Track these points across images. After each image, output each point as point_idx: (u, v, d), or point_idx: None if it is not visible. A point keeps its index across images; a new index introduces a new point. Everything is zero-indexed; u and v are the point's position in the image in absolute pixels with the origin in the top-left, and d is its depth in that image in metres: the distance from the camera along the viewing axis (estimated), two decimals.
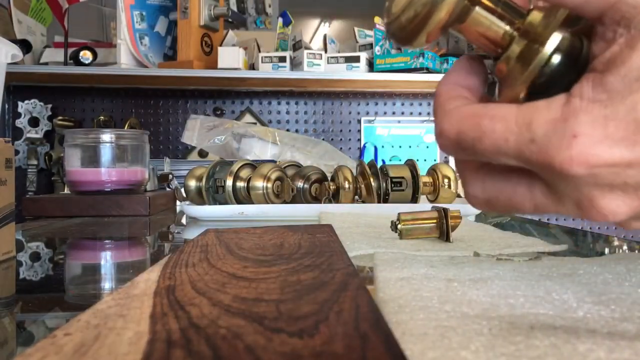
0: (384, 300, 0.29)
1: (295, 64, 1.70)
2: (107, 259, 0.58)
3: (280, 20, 1.80)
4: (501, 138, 0.22)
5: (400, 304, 0.28)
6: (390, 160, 1.89)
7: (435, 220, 0.52)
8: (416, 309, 0.27)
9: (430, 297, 0.29)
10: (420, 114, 1.93)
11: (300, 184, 0.85)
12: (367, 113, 1.93)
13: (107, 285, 0.45)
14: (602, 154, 0.20)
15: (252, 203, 0.82)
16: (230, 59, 1.61)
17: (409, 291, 0.31)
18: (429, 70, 1.66)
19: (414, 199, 0.85)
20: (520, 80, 0.24)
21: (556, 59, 0.24)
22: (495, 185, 0.25)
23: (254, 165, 0.86)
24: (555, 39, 0.24)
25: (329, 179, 0.86)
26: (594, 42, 0.22)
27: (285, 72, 1.67)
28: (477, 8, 0.26)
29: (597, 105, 0.20)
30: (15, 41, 1.40)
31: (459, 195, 0.89)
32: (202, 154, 1.80)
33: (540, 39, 0.24)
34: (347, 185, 0.82)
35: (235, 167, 0.84)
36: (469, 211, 0.83)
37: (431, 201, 0.88)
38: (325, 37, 1.81)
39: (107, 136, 0.97)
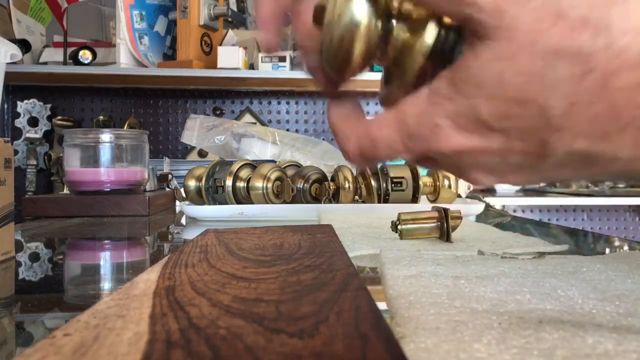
0: (394, 296, 0.30)
1: (296, 64, 1.70)
2: (106, 259, 0.58)
3: None
4: (390, 140, 0.25)
5: (411, 300, 0.29)
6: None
7: (435, 221, 0.52)
8: (427, 305, 0.28)
9: (440, 294, 0.30)
10: None
11: (300, 184, 0.85)
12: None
13: (106, 285, 0.45)
14: (458, 141, 0.23)
15: (252, 203, 0.82)
16: (230, 58, 1.61)
17: (418, 288, 0.31)
18: None
19: (414, 199, 0.85)
20: (406, 73, 0.25)
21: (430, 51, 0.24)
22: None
23: (253, 165, 0.85)
24: (431, 30, 0.24)
25: (329, 179, 0.86)
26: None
27: (285, 72, 1.67)
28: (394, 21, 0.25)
29: (448, 102, 0.23)
30: (14, 41, 1.40)
31: (459, 196, 0.89)
32: (202, 154, 1.80)
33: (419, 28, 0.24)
34: (347, 185, 0.82)
35: (235, 167, 0.83)
36: (470, 211, 0.83)
37: (431, 201, 0.88)
38: None
39: (106, 136, 0.96)
